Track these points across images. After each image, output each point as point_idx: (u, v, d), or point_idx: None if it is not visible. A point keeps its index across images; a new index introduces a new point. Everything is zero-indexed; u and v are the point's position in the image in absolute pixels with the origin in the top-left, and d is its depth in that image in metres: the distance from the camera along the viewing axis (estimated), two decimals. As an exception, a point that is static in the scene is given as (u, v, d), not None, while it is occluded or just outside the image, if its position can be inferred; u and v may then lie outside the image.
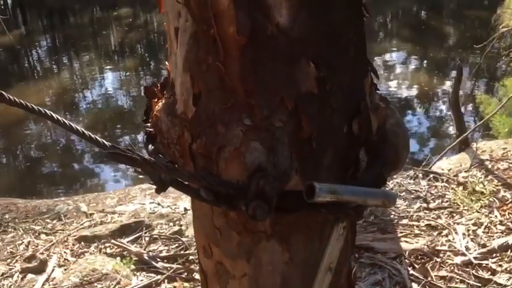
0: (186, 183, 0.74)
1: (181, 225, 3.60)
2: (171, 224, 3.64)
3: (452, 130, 6.61)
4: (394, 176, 3.82)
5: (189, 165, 0.74)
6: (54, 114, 0.78)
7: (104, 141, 0.74)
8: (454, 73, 8.19)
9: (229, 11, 0.64)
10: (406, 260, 3.01)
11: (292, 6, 0.65)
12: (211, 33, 0.66)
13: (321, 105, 0.70)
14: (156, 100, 0.82)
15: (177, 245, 3.35)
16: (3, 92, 0.81)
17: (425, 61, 9.51)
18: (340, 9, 0.69)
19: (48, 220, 3.81)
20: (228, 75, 0.68)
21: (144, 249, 3.26)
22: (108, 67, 10.09)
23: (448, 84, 8.08)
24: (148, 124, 0.82)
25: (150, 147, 0.79)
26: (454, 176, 3.94)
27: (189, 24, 0.69)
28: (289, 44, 0.67)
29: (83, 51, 10.93)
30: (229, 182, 0.69)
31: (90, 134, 0.75)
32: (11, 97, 0.80)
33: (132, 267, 3.07)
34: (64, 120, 0.78)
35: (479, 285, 2.72)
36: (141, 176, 0.70)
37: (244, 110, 0.69)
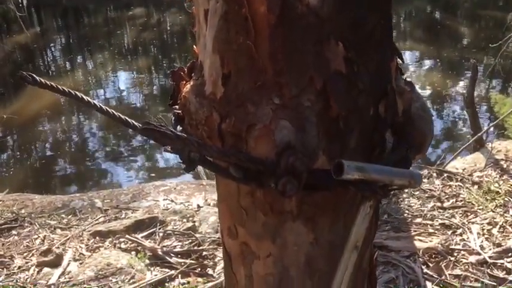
0: (215, 162, 0.75)
1: (194, 222, 3.62)
2: (185, 220, 3.67)
3: (466, 130, 6.57)
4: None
5: (218, 145, 0.75)
6: (84, 96, 0.80)
7: (134, 122, 0.75)
8: (468, 73, 8.14)
9: (261, -11, 0.65)
10: (419, 259, 3.00)
11: (322, -15, 0.66)
12: (243, 13, 0.67)
13: (348, 85, 0.71)
14: (184, 83, 0.84)
15: (190, 241, 3.37)
16: (34, 75, 0.83)
17: (439, 61, 9.45)
18: (369, -10, 0.70)
19: (63, 215, 3.85)
20: (258, 54, 0.69)
21: (158, 245, 3.29)
22: (121, 66, 10.17)
23: (461, 85, 8.03)
24: (176, 106, 0.83)
25: (179, 128, 0.80)
26: (469, 175, 3.91)
27: (219, 5, 0.70)
28: (319, 23, 0.68)
29: (97, 51, 11.04)
30: (259, 158, 0.70)
31: (120, 115, 0.76)
32: (42, 80, 0.82)
33: (147, 261, 3.10)
34: (95, 102, 0.79)
35: (495, 284, 2.71)
36: (168, 154, 0.71)
37: (274, 89, 0.70)
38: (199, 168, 4.79)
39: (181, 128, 0.80)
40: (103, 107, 0.79)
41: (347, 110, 0.72)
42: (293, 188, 0.66)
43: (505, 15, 9.22)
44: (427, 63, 9.40)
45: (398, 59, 0.81)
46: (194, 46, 0.84)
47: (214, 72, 0.74)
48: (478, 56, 8.78)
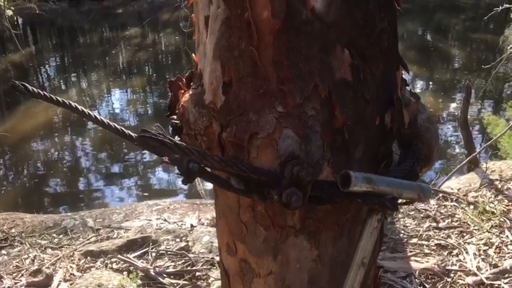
0: (215, 173, 0.72)
1: (187, 241, 3.56)
2: (178, 240, 3.60)
3: (459, 150, 6.58)
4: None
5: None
6: (78, 106, 0.77)
7: (130, 132, 0.72)
8: (460, 95, 8.21)
9: (264, -6, 0.63)
10: (416, 280, 2.96)
11: (328, -10, 0.64)
12: (245, 18, 0.65)
13: (354, 94, 0.69)
14: (182, 92, 0.81)
15: (183, 261, 3.30)
16: (27, 84, 0.80)
17: (431, 83, 9.53)
18: (375, -3, 0.68)
19: (54, 235, 3.78)
20: (261, 61, 0.67)
21: (151, 265, 3.23)
22: (116, 86, 10.16)
23: (454, 106, 8.08)
24: (174, 116, 0.80)
25: (176, 139, 0.77)
26: (464, 195, 3.90)
27: (221, 10, 0.68)
28: (324, 29, 0.66)
29: (92, 70, 11.03)
30: (261, 168, 0.67)
31: (116, 125, 0.73)
32: (34, 89, 0.79)
33: (139, 282, 3.03)
34: (89, 112, 0.76)
35: (492, 306, 2.67)
36: (165, 167, 0.68)
37: (277, 97, 0.67)
38: (199, 186, 4.75)
39: (179, 139, 0.77)
40: (98, 117, 0.76)
41: (353, 120, 0.69)
42: (298, 200, 0.62)
43: (495, 38, 9.37)
44: (420, 84, 9.47)
45: (403, 70, 0.79)
46: (193, 55, 0.81)
47: (215, 80, 0.72)
48: (470, 78, 8.87)
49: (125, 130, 0.70)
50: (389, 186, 0.68)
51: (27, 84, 0.82)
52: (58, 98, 0.80)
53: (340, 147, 0.70)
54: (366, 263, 0.71)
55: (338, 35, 0.67)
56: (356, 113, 0.70)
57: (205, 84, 0.74)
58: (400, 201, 0.72)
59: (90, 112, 0.76)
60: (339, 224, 0.76)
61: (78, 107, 0.77)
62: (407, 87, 0.80)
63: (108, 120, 0.73)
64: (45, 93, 0.81)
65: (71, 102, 0.78)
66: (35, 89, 0.81)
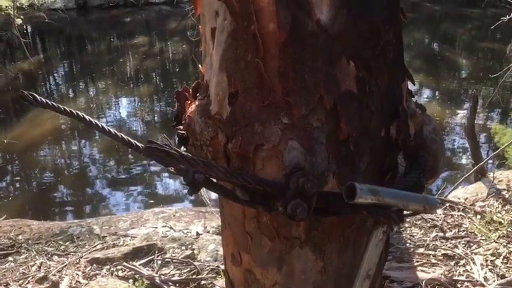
0: (220, 184, 0.72)
1: (193, 249, 3.56)
2: (183, 247, 3.60)
3: (465, 160, 6.55)
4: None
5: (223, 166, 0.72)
6: (86, 116, 0.77)
7: (137, 143, 0.73)
8: (466, 104, 8.17)
9: (270, 7, 0.63)
10: (423, 290, 2.93)
11: (333, 3, 0.64)
12: (251, 30, 0.65)
13: (359, 106, 0.69)
14: (188, 103, 0.81)
15: (189, 269, 3.29)
16: (35, 94, 0.81)
17: (438, 92, 9.50)
18: (381, 9, 0.68)
19: (61, 242, 3.78)
20: (267, 73, 0.67)
21: (156, 273, 3.22)
22: (124, 94, 10.21)
23: (460, 116, 8.04)
24: (180, 127, 0.80)
25: (182, 149, 0.77)
26: (471, 205, 3.87)
27: (227, 22, 0.69)
28: (330, 41, 0.66)
29: (100, 78, 11.11)
30: (266, 180, 0.67)
31: (123, 135, 0.74)
32: (43, 99, 0.80)
33: (144, 290, 3.02)
34: (97, 122, 0.77)
35: (500, 317, 2.64)
36: (171, 177, 0.68)
37: (282, 109, 0.68)
38: (204, 195, 4.75)
39: (185, 149, 0.77)
40: (105, 127, 0.76)
41: (358, 132, 0.69)
42: (303, 212, 0.62)
43: (502, 47, 9.33)
44: (426, 93, 9.44)
45: (409, 81, 0.79)
46: (200, 66, 0.82)
47: (221, 91, 0.72)
48: (477, 87, 8.84)
49: (132, 140, 0.71)
50: (395, 198, 0.67)
51: (35, 95, 0.83)
52: (66, 108, 0.80)
53: (345, 159, 0.70)
54: (371, 275, 0.71)
55: (343, 47, 0.67)
56: (361, 124, 0.70)
57: (212, 95, 0.75)
58: (405, 212, 0.71)
59: (97, 122, 0.77)
60: (344, 236, 0.76)
61: (86, 117, 0.78)
62: (413, 99, 0.80)
63: (115, 131, 0.74)
64: (53, 103, 0.82)
65: (79, 112, 0.79)
66: (43, 99, 0.82)
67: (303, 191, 0.64)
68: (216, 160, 0.74)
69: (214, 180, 0.72)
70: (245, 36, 0.67)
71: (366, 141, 0.71)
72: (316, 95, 0.67)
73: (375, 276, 0.78)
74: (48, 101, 0.81)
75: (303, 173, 0.65)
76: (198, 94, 0.81)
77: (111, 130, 0.74)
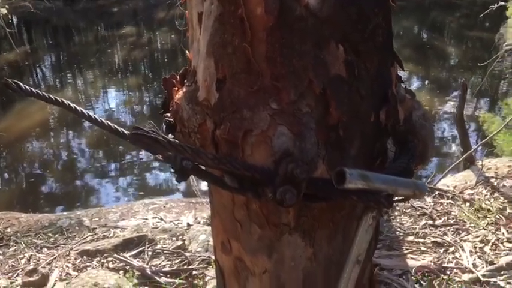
0: (209, 171, 0.71)
1: (184, 240, 3.55)
2: (174, 238, 3.59)
3: (455, 148, 6.60)
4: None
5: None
6: (70, 103, 0.76)
7: (123, 130, 0.71)
8: (455, 93, 8.22)
9: (258, -10, 0.62)
10: (412, 277, 2.96)
11: (322, -14, 0.63)
12: (239, 14, 0.64)
13: (349, 90, 0.68)
14: (176, 89, 0.80)
15: (180, 259, 3.29)
16: (19, 82, 0.79)
17: (427, 80, 9.54)
18: (370, -8, 0.67)
19: (50, 234, 3.76)
20: (255, 57, 0.66)
21: (147, 264, 3.21)
22: (112, 85, 10.13)
23: (449, 104, 8.09)
24: (168, 114, 0.79)
25: (170, 137, 0.76)
26: (460, 193, 3.90)
27: (214, 6, 0.67)
28: (318, 25, 0.65)
29: (87, 69, 10.99)
30: (255, 166, 0.66)
31: (109, 123, 0.72)
32: (27, 87, 0.78)
33: (135, 281, 3.02)
34: (82, 109, 0.75)
35: (488, 302, 2.67)
36: (158, 162, 0.67)
37: (271, 94, 0.67)
38: (195, 185, 4.73)
39: (173, 137, 0.76)
40: (91, 115, 0.75)
41: (347, 117, 0.68)
42: (292, 197, 0.62)
43: (491, 36, 9.38)
44: (415, 82, 9.46)
45: (398, 66, 0.78)
46: (187, 52, 0.81)
47: (208, 77, 0.71)
48: (466, 76, 8.89)
49: (118, 128, 0.70)
50: (385, 183, 0.67)
51: (19, 83, 0.81)
52: (51, 96, 0.79)
53: (335, 144, 0.69)
54: (360, 261, 0.71)
55: (332, 31, 0.66)
56: (351, 109, 0.69)
57: (199, 81, 0.74)
58: (395, 198, 0.71)
59: (83, 110, 0.75)
60: (333, 222, 0.76)
61: (71, 104, 0.76)
62: (402, 84, 0.80)
63: (101, 118, 0.72)
64: (37, 91, 0.80)
65: (64, 100, 0.78)
66: (27, 87, 0.80)
67: (292, 177, 0.63)
68: (205, 147, 0.73)
69: (203, 168, 0.71)
70: (232, 20, 0.66)
71: (355, 127, 0.70)
72: (305, 79, 0.67)
73: (365, 262, 0.78)
74: (32, 88, 0.79)
75: (292, 159, 0.64)
76: (185, 81, 0.80)
77: (97, 118, 0.72)
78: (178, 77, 0.83)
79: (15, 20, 13.69)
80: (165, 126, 0.78)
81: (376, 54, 0.71)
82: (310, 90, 0.67)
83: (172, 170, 0.68)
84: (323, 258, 0.78)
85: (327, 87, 0.67)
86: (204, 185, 4.79)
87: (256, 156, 0.68)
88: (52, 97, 0.77)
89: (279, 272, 0.78)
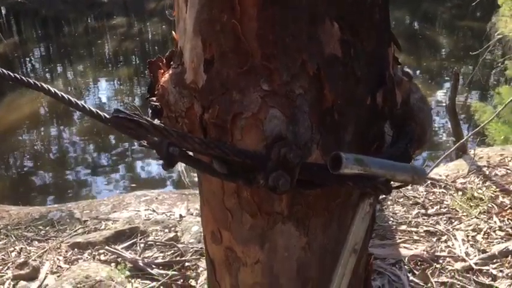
0: (197, 157, 0.67)
1: (176, 232, 3.53)
2: (167, 230, 3.57)
3: (446, 137, 6.61)
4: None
5: (200, 138, 0.67)
6: (50, 88, 0.72)
7: (105, 114, 0.67)
8: (447, 82, 8.22)
9: (247, -38, 0.58)
10: (405, 266, 2.96)
11: (316, -41, 0.59)
12: (227, -12, 0.60)
13: (344, 71, 0.64)
14: (162, 72, 0.76)
15: (172, 251, 3.27)
16: (-4, 66, 0.75)
17: (418, 70, 9.54)
18: (366, -34, 0.64)
19: (40, 227, 3.71)
20: (245, 36, 0.62)
21: (139, 256, 3.18)
22: (102, 76, 10.03)
23: (441, 95, 8.11)
24: (154, 98, 0.75)
25: (156, 122, 0.72)
26: (452, 182, 3.90)
27: (201, -19, 0.63)
28: (312, 2, 0.61)
29: (77, 61, 10.88)
30: (246, 151, 0.62)
31: (91, 107, 0.68)
32: (4, 70, 0.74)
33: (127, 273, 2.99)
34: (62, 94, 0.71)
35: (481, 291, 2.68)
36: (143, 147, 0.63)
37: (262, 74, 0.63)
38: (184, 175, 4.70)
39: (159, 122, 0.72)
40: (71, 99, 0.71)
41: (343, 99, 0.64)
42: (286, 184, 0.58)
43: (482, 25, 9.38)
44: (408, 72, 9.44)
45: (395, 47, 0.74)
46: (173, 32, 0.76)
47: (196, 57, 0.67)
48: (457, 65, 8.89)
49: (99, 112, 0.66)
50: (382, 168, 0.64)
51: (-2, 67, 0.77)
52: (30, 80, 0.75)
53: (330, 128, 0.66)
54: (357, 250, 0.68)
55: (327, 7, 0.62)
56: (346, 91, 0.65)
57: (186, 62, 0.69)
58: (393, 184, 0.68)
59: (63, 94, 0.71)
60: (328, 210, 0.72)
61: (51, 88, 0.72)
62: (399, 66, 0.76)
63: (82, 103, 0.68)
64: (16, 75, 0.76)
65: (43, 84, 0.74)
66: (4, 71, 0.76)
67: (285, 162, 0.59)
68: (192, 132, 0.69)
69: (191, 154, 0.68)
70: (220, -5, 0.62)
71: (351, 110, 0.66)
72: (298, 59, 0.63)
73: (361, 251, 0.75)
74: (10, 72, 0.75)
75: (285, 143, 0.60)
76: (171, 63, 0.76)
77: (78, 102, 0.68)
78: (164, 59, 0.79)
79: (3, 11, 13.50)
80: (150, 112, 0.74)
81: (373, 33, 0.67)
82: (303, 70, 0.63)
83: (158, 157, 0.64)
84: (318, 247, 0.74)
85: (321, 67, 0.63)
86: (194, 175, 4.76)
87: (246, 141, 0.64)
88: (31, 81, 0.73)
89: (271, 263, 0.75)
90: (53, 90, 0.70)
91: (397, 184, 0.69)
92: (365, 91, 0.67)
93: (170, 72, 0.73)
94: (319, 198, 0.70)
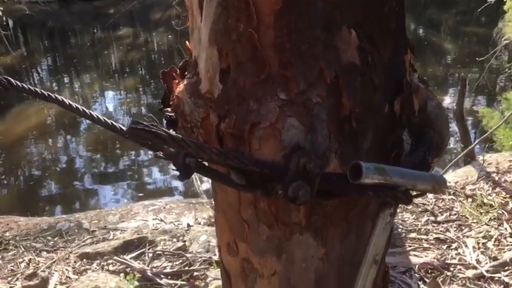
0: (214, 168, 0.66)
1: (184, 241, 3.52)
2: (175, 240, 3.56)
3: (454, 144, 6.57)
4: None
5: (216, 149, 0.66)
6: (64, 99, 0.71)
7: (121, 126, 0.67)
8: (454, 89, 8.19)
9: (264, -29, 0.58)
10: (416, 274, 2.93)
11: (333, -34, 0.59)
12: (243, -3, 0.60)
13: (362, 79, 0.64)
14: (176, 82, 0.75)
15: (181, 261, 3.26)
16: (10, 78, 0.75)
17: (425, 77, 9.51)
18: (383, -27, 0.63)
19: (49, 237, 3.72)
20: (261, 44, 0.61)
21: (148, 266, 3.18)
22: (109, 87, 10.08)
23: (448, 101, 8.07)
24: (168, 109, 0.75)
25: (171, 132, 0.71)
26: (461, 188, 3.88)
27: (216, -10, 0.63)
28: (329, 9, 0.61)
29: (84, 71, 10.95)
30: (264, 161, 0.61)
31: (106, 119, 0.68)
32: (18, 83, 0.74)
33: (136, 283, 2.98)
34: (77, 105, 0.71)
35: (493, 298, 2.65)
36: (158, 157, 0.62)
37: (279, 83, 0.62)
38: (197, 184, 4.69)
39: (174, 133, 0.71)
40: (86, 110, 0.71)
41: (361, 108, 0.64)
42: (306, 194, 0.57)
43: (488, 31, 9.36)
44: (414, 78, 9.42)
45: (411, 53, 0.74)
46: (187, 42, 0.76)
47: (211, 67, 0.66)
48: (463, 71, 8.86)
49: (115, 123, 0.65)
50: (402, 178, 0.63)
51: (10, 78, 0.77)
52: (43, 91, 0.74)
53: (348, 137, 0.65)
54: (378, 261, 0.66)
55: (344, 15, 0.61)
56: (364, 99, 0.64)
57: (201, 72, 0.69)
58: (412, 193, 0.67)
59: (78, 106, 0.71)
60: (346, 220, 0.71)
61: (65, 100, 0.72)
62: (415, 72, 0.75)
63: (97, 114, 0.68)
64: (29, 87, 0.76)
65: (57, 96, 0.73)
66: (18, 82, 0.76)
67: (305, 172, 0.58)
68: (208, 143, 0.68)
69: (207, 164, 0.67)
70: (237, 4, 0.61)
71: (369, 118, 0.66)
72: (315, 67, 0.62)
73: (381, 262, 0.74)
74: (23, 84, 0.75)
75: (304, 153, 0.60)
76: (186, 73, 0.75)
77: (93, 113, 0.68)
78: (178, 69, 0.78)
79: (11, 23, 13.62)
80: (165, 122, 0.74)
81: (390, 41, 0.66)
82: (321, 79, 0.62)
83: (174, 168, 0.64)
84: (336, 258, 0.73)
85: (338, 75, 0.62)
86: (206, 185, 4.75)
87: (264, 151, 0.63)
88: (45, 92, 0.73)
89: (289, 274, 0.73)
90: (66, 102, 0.70)
91: (415, 193, 0.68)
92: (383, 99, 0.66)
93: (185, 82, 0.73)
94: (337, 208, 0.69)
